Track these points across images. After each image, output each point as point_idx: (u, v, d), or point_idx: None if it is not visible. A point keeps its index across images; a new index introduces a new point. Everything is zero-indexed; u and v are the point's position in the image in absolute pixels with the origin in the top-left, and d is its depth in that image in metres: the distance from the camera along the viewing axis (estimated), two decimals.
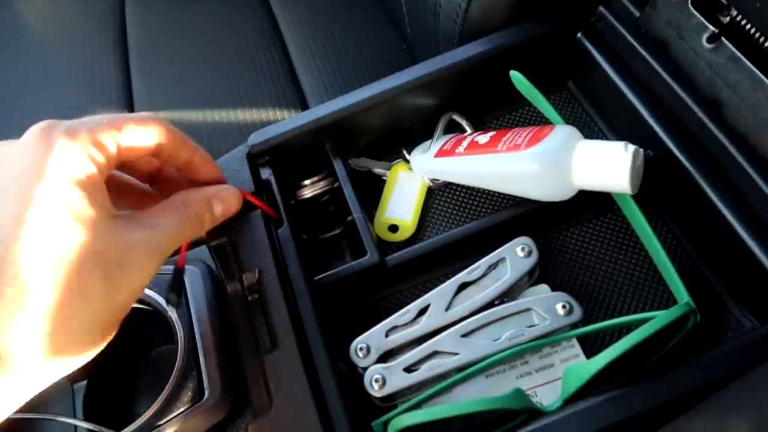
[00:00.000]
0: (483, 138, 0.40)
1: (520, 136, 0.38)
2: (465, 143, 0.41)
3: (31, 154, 0.27)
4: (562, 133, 0.36)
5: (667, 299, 0.37)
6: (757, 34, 0.33)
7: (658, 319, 0.29)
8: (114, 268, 0.27)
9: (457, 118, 0.45)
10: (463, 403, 0.29)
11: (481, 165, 0.39)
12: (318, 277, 0.38)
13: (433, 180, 0.44)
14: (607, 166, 0.34)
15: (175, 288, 0.39)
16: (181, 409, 0.38)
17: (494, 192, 0.43)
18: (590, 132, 0.45)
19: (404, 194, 0.44)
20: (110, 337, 0.28)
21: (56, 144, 0.27)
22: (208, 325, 0.41)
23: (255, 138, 0.42)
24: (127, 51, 0.76)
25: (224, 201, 0.34)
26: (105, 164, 0.29)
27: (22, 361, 0.25)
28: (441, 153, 0.42)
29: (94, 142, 0.28)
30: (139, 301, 0.43)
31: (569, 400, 0.31)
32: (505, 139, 0.39)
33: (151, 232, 0.29)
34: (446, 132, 0.45)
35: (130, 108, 0.70)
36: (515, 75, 0.39)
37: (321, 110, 0.42)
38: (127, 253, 0.28)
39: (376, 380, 0.34)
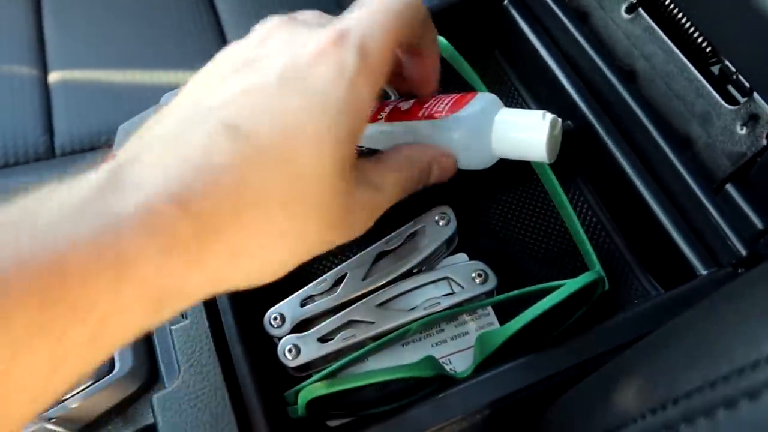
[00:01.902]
0: (405, 105, 0.39)
1: (441, 103, 0.37)
2: (388, 110, 0.40)
3: (318, 63, 0.24)
4: (482, 101, 0.36)
5: (580, 268, 0.37)
6: (671, 6, 0.33)
7: (566, 287, 0.29)
8: (331, 222, 0.25)
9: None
10: (372, 372, 0.29)
11: (402, 133, 0.38)
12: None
13: (357, 147, 0.42)
14: (525, 134, 0.34)
15: None
16: (89, 383, 0.37)
17: None
18: (514, 101, 0.45)
19: None
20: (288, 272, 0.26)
21: (348, 65, 0.24)
22: None
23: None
24: (40, 1, 0.71)
25: (443, 169, 0.32)
26: (382, 85, 0.26)
27: (212, 263, 0.22)
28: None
29: (383, 61, 0.25)
30: None
31: (480, 367, 0.31)
32: (426, 106, 0.38)
33: (376, 193, 0.27)
34: None
35: (42, 66, 0.65)
36: (440, 40, 0.38)
37: None
38: (349, 210, 0.26)
39: (290, 350, 0.33)
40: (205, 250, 0.21)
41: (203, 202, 0.21)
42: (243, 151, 0.22)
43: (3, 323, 0.18)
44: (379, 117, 0.39)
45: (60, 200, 0.20)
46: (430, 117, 0.36)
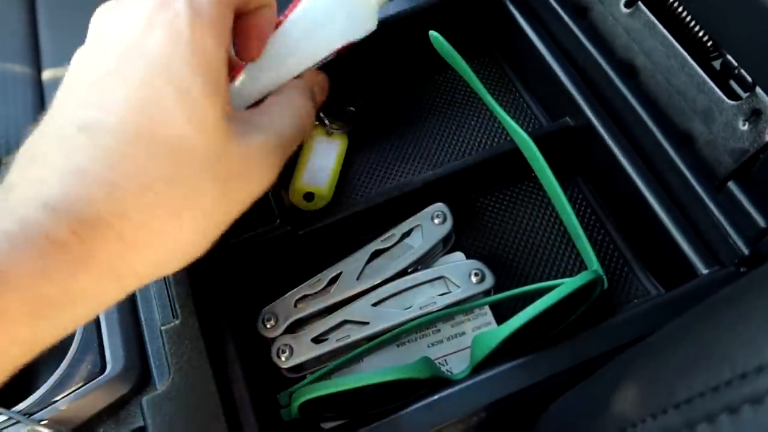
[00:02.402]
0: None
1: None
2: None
3: (150, 30, 0.23)
4: None
5: (579, 266, 0.37)
6: (671, 0, 0.33)
7: (564, 286, 0.28)
8: (230, 179, 0.24)
9: None
10: (366, 374, 0.28)
11: (277, 56, 0.31)
12: (225, 244, 0.36)
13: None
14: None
15: None
16: (80, 384, 0.36)
17: (414, 159, 0.42)
18: (512, 98, 0.44)
19: (321, 161, 0.42)
20: (205, 250, 0.25)
21: (182, 22, 0.23)
22: None
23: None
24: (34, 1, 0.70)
25: (321, 87, 0.31)
26: (227, 41, 0.25)
27: (114, 265, 0.22)
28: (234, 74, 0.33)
29: (219, 15, 0.24)
30: None
31: (477, 368, 0.30)
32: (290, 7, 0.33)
33: (269, 135, 0.26)
34: None
35: (36, 63, 0.64)
36: (434, 36, 0.38)
37: None
38: (244, 160, 0.24)
39: (283, 351, 0.33)
40: (90, 248, 0.21)
41: (76, 203, 0.21)
42: (102, 141, 0.22)
43: None
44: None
45: None
46: (298, 4, 0.32)
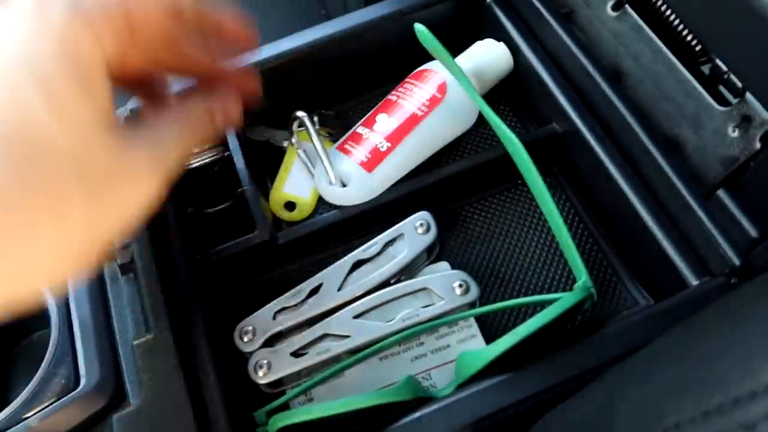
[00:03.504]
0: (384, 123, 0.38)
1: (419, 93, 0.39)
2: (375, 139, 0.38)
3: (21, 27, 0.21)
4: (442, 67, 0.39)
5: (567, 276, 0.36)
6: (659, 2, 0.32)
7: (554, 307, 0.28)
8: (102, 190, 0.21)
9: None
10: (348, 399, 0.27)
11: (421, 138, 0.38)
12: (202, 254, 0.35)
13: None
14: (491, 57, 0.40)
15: None
16: (53, 399, 0.35)
17: None
18: (496, 102, 0.43)
19: (305, 168, 0.41)
20: (83, 270, 0.22)
21: (55, 18, 0.21)
22: (87, 306, 0.37)
23: (135, 100, 0.38)
24: None
25: (226, 112, 0.28)
26: (117, 48, 0.22)
27: None
28: (370, 164, 0.37)
29: (103, 16, 0.22)
30: None
31: (461, 385, 0.29)
32: (407, 104, 0.38)
33: (153, 149, 0.24)
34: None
35: None
36: (420, 29, 0.37)
37: None
38: (120, 171, 0.22)
39: (261, 366, 0.32)
40: None
41: None
42: None
43: None
44: (381, 149, 0.38)
45: None
46: (434, 106, 0.39)
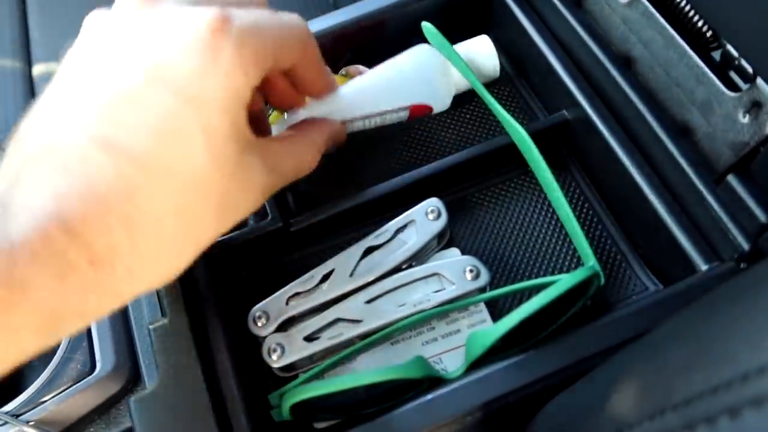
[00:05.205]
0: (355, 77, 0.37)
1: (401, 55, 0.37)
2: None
3: (194, 58, 0.22)
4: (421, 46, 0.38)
5: (576, 262, 0.36)
6: None
7: (560, 283, 0.28)
8: (228, 210, 0.25)
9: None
10: (359, 374, 0.28)
11: (374, 81, 0.36)
12: (216, 241, 0.35)
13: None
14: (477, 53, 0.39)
15: None
16: (69, 384, 0.35)
17: (405, 152, 0.41)
18: (508, 90, 0.43)
19: None
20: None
21: (225, 55, 0.22)
22: None
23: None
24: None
25: (333, 138, 0.32)
26: (256, 85, 0.25)
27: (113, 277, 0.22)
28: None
29: (258, 54, 0.24)
30: None
31: (472, 367, 0.30)
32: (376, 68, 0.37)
33: (272, 174, 0.27)
34: None
35: (27, 59, 0.63)
36: (427, 27, 0.37)
37: None
38: (245, 195, 0.25)
39: (274, 349, 0.32)
40: (101, 274, 0.21)
41: (93, 229, 0.21)
42: (123, 169, 0.21)
43: None
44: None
45: None
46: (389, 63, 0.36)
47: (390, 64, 0.36)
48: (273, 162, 0.27)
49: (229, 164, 0.24)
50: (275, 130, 0.37)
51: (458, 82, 0.39)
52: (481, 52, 0.40)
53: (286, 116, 0.35)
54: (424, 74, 0.37)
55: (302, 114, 0.33)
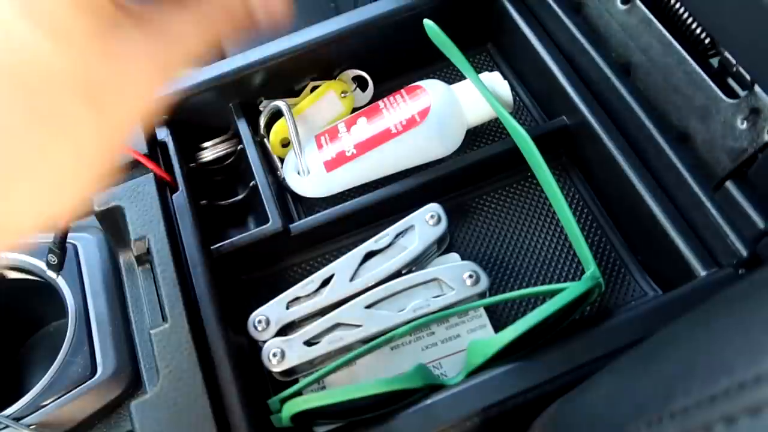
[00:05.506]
0: (361, 129, 0.39)
1: (402, 110, 0.38)
2: (346, 142, 0.39)
3: None
4: (434, 90, 0.38)
5: (576, 267, 0.36)
6: None
7: (563, 295, 0.28)
8: (107, 100, 0.20)
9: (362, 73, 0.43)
10: (359, 386, 0.28)
11: (387, 154, 0.38)
12: (217, 245, 0.35)
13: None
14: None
15: (58, 249, 0.35)
16: (70, 387, 0.36)
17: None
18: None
19: (316, 114, 0.42)
20: (101, 182, 0.21)
21: None
22: (103, 296, 0.38)
23: None
24: None
25: (270, 12, 0.24)
26: None
27: None
28: (332, 164, 0.39)
29: None
30: (23, 271, 0.40)
31: (471, 374, 0.30)
32: (387, 117, 0.38)
33: (159, 42, 0.21)
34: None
35: None
36: (429, 25, 0.37)
37: (224, 66, 0.39)
38: (123, 73, 0.20)
39: (274, 354, 0.32)
40: None
41: None
42: None
43: None
44: (347, 153, 0.39)
45: None
46: (409, 126, 0.38)
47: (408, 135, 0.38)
48: (158, 23, 0.21)
49: (76, 40, 0.19)
50: (286, 162, 0.39)
51: (469, 121, 0.39)
52: (496, 86, 0.39)
53: (294, 150, 0.37)
54: (441, 135, 0.39)
55: None
